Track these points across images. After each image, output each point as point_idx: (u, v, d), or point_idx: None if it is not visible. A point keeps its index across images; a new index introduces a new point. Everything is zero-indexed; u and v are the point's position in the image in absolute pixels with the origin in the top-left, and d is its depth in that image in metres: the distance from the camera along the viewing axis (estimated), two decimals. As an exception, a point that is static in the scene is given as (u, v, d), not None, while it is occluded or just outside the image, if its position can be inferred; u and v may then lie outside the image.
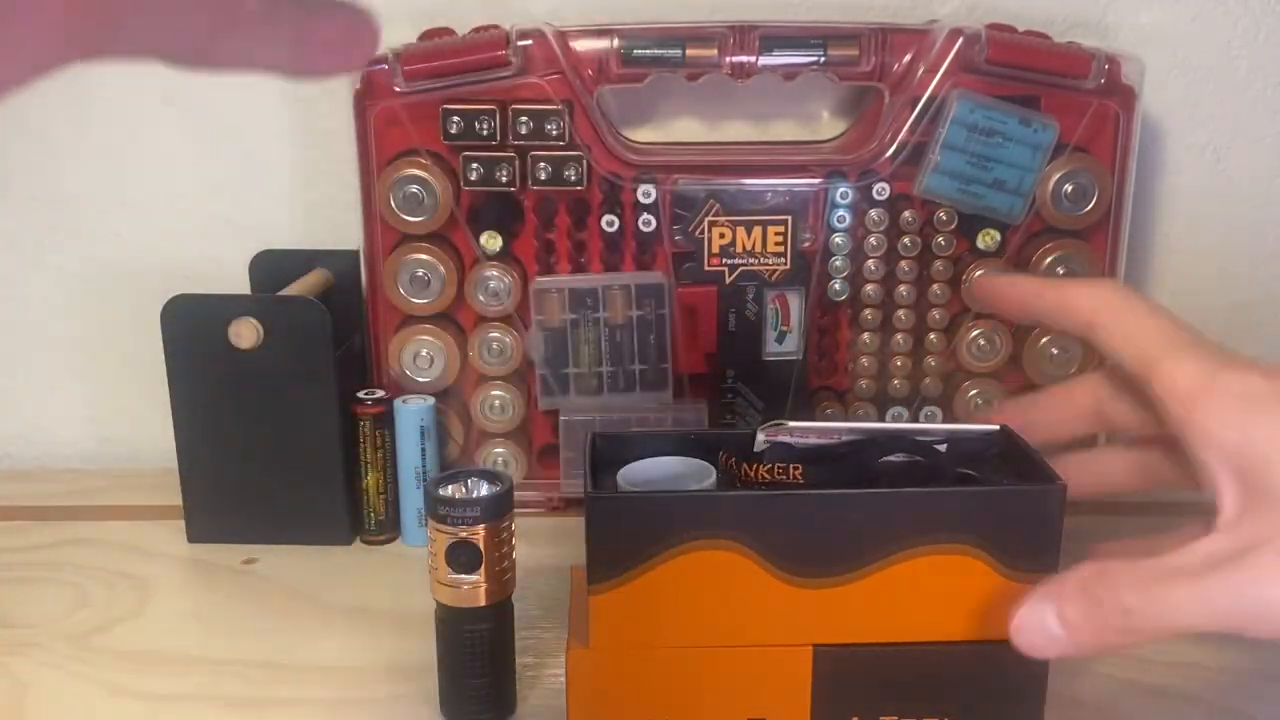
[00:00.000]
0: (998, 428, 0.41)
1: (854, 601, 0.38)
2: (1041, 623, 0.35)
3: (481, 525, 0.40)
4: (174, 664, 0.47)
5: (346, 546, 0.57)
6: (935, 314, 0.57)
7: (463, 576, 0.41)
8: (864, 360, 0.58)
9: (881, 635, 0.38)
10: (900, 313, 0.57)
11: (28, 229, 0.65)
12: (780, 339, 0.58)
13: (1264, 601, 0.32)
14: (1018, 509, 0.38)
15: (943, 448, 0.40)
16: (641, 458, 0.42)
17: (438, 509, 0.41)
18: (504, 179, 0.55)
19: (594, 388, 0.57)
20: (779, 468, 0.38)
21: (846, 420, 0.57)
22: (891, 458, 0.40)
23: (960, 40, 0.54)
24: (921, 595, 0.38)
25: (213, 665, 0.47)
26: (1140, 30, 0.62)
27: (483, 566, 0.41)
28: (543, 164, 0.55)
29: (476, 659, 0.42)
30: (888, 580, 0.38)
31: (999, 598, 0.37)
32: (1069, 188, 0.55)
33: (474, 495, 0.41)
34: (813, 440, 0.40)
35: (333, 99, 0.60)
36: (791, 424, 0.39)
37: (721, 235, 0.56)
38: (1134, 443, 0.44)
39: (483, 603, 0.41)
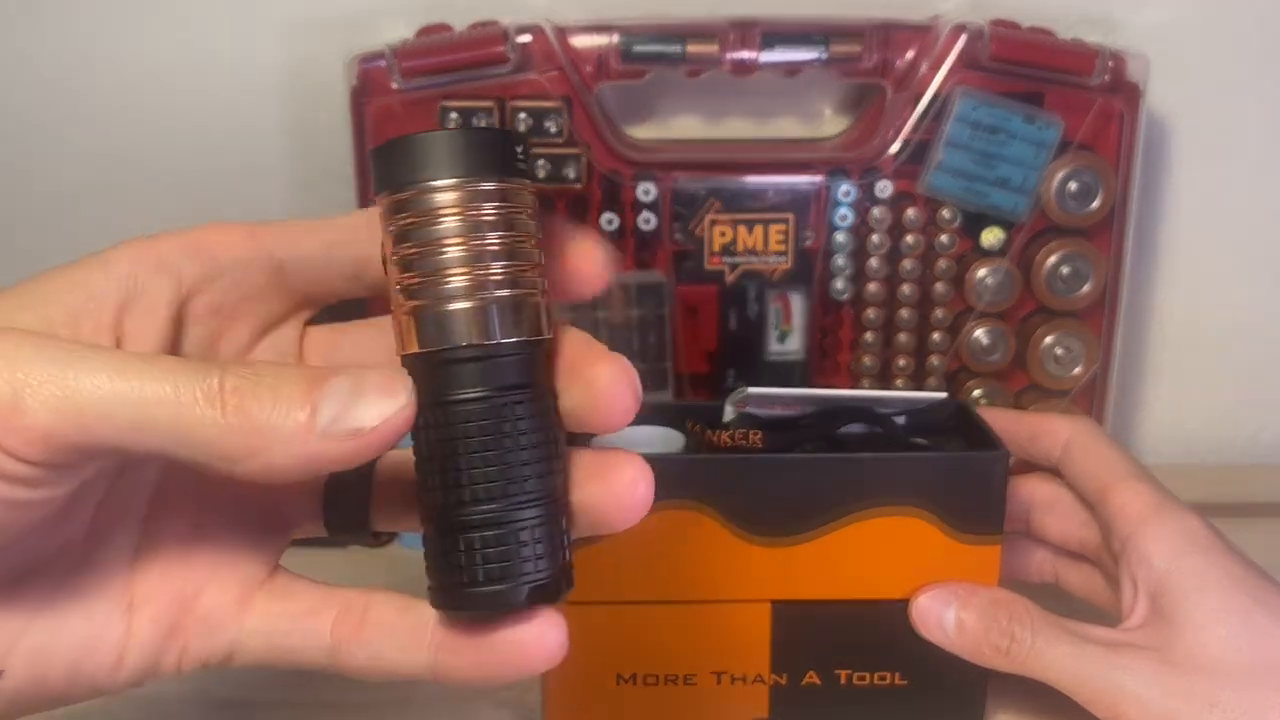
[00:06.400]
0: (946, 395, 0.42)
1: (810, 560, 0.40)
2: (941, 616, 0.39)
3: (494, 183, 0.22)
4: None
5: (343, 549, 0.56)
6: (938, 313, 0.57)
7: (451, 279, 0.21)
8: (866, 360, 0.57)
9: (836, 593, 0.40)
10: (903, 312, 0.57)
11: (26, 228, 0.65)
12: (782, 338, 0.57)
13: (1118, 688, 0.37)
14: (964, 475, 0.39)
15: (901, 419, 0.42)
16: None
17: (412, 157, 0.22)
18: (503, 177, 0.54)
19: (594, 387, 0.56)
20: (740, 433, 0.40)
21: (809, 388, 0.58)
22: (851, 428, 0.41)
23: (963, 36, 0.53)
24: (874, 555, 0.40)
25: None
26: (1145, 27, 0.61)
27: (500, 260, 0.22)
28: (542, 161, 0.54)
29: (511, 449, 0.22)
30: (841, 541, 0.40)
31: (946, 559, 0.40)
32: (1073, 185, 0.55)
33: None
34: (778, 411, 0.41)
35: (331, 97, 0.60)
36: (752, 390, 0.40)
37: (722, 234, 0.56)
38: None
39: (501, 337, 0.22)
